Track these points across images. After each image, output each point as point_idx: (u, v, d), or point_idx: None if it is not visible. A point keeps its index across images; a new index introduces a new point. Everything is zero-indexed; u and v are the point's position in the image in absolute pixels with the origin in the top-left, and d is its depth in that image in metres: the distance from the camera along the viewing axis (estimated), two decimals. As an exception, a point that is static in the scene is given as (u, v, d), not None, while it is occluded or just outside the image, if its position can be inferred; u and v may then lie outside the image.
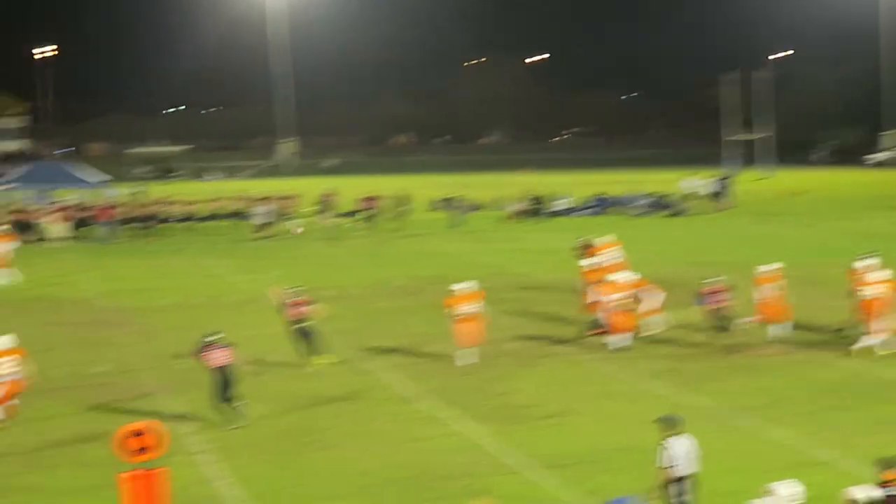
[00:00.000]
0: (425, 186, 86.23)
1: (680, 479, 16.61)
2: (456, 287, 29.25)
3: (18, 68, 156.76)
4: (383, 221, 61.03)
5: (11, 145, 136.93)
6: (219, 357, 23.78)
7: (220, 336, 24.21)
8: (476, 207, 72.60)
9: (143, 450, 13.73)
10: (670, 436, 16.75)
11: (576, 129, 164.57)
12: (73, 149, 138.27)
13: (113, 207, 60.05)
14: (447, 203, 66.11)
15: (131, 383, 27.22)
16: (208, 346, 23.91)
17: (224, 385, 23.69)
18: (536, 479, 19.73)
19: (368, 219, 61.22)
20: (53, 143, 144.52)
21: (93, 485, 19.57)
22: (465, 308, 28.66)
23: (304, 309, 28.03)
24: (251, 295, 39.79)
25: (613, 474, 19.82)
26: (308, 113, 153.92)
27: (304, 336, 28.00)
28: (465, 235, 57.42)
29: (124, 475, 13.84)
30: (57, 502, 19.03)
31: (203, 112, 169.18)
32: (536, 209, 66.22)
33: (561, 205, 69.59)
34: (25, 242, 56.99)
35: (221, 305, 38.10)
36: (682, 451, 16.70)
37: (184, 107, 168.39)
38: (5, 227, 47.86)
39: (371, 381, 26.99)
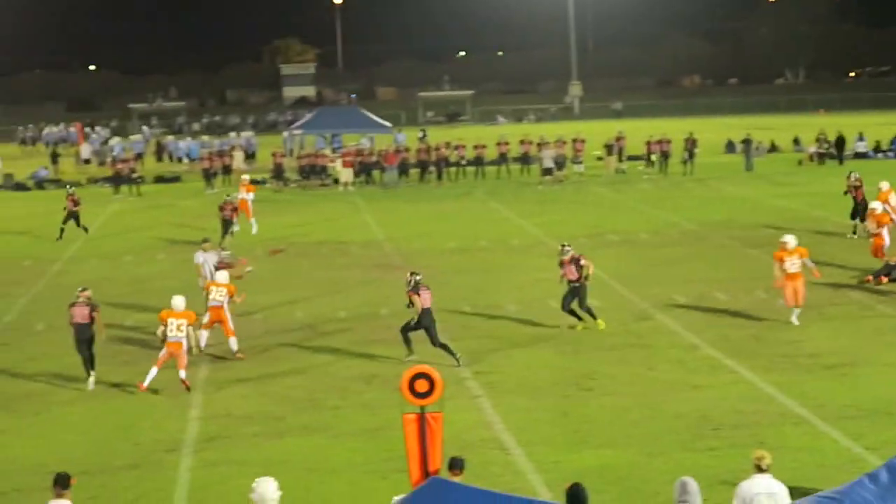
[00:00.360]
0: (716, 129, 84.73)
1: None
2: (787, 238, 26.89)
3: (310, 15, 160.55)
4: (673, 165, 59.96)
5: (303, 90, 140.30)
6: (424, 297, 24.05)
7: (420, 277, 24.45)
8: (771, 150, 70.91)
9: (423, 393, 13.77)
10: None
11: (870, 69, 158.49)
12: (355, 95, 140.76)
13: (400, 152, 60.68)
14: (741, 145, 64.49)
15: (414, 326, 27.37)
16: (416, 285, 24.14)
17: (415, 326, 24.09)
18: (824, 430, 19.01)
19: (658, 162, 60.25)
20: (343, 88, 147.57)
21: (374, 426, 19.77)
22: (792, 263, 26.36)
23: (571, 268, 26.55)
24: (537, 239, 39.72)
25: (907, 428, 18.97)
26: (597, 55, 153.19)
27: (574, 295, 26.92)
28: (758, 179, 56.00)
29: (408, 416, 13.88)
30: (340, 443, 19.24)
31: (493, 55, 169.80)
32: (834, 152, 64.00)
33: (860, 147, 67.20)
34: (318, 186, 58.47)
35: (507, 249, 38.11)
36: None
37: (463, 53, 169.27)
38: (248, 176, 48.28)
39: (654, 328, 26.54)
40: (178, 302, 23.08)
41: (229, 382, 23.11)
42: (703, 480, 15.91)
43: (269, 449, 18.99)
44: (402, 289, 27.10)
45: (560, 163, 58.07)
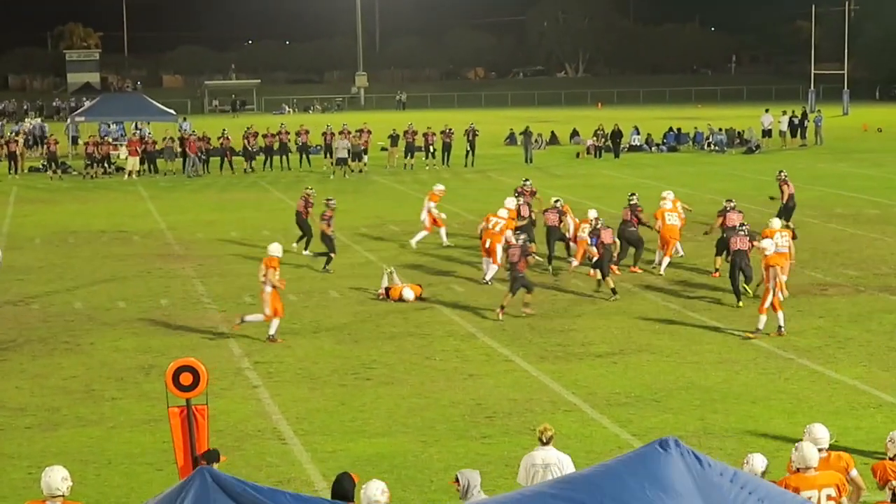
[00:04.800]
0: (498, 121, 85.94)
1: None
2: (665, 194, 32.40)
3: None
4: (454, 157, 60.69)
5: (87, 76, 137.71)
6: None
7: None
8: (551, 142, 72.38)
9: (188, 386, 13.76)
10: None
11: (526, 69, 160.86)
12: (141, 83, 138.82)
13: (199, 139, 59.76)
14: (521, 137, 65.67)
15: (195, 316, 27.33)
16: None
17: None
18: (594, 417, 19.63)
19: (440, 153, 60.87)
20: (128, 75, 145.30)
21: (150, 418, 19.72)
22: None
23: None
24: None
25: (672, 413, 19.71)
26: (383, 46, 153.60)
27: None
28: (536, 171, 57.01)
29: (173, 409, 13.91)
30: (112, 434, 19.16)
31: (281, 44, 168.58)
32: (609, 145, 65.66)
33: (634, 140, 69.09)
34: (101, 175, 57.56)
35: (290, 238, 38.06)
36: None
37: (251, 41, 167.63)
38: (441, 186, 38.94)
39: (432, 317, 26.93)
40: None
41: (3, 374, 22.75)
42: (477, 468, 16.33)
43: (43, 441, 18.80)
44: (183, 279, 27.12)
45: (358, 153, 58.28)
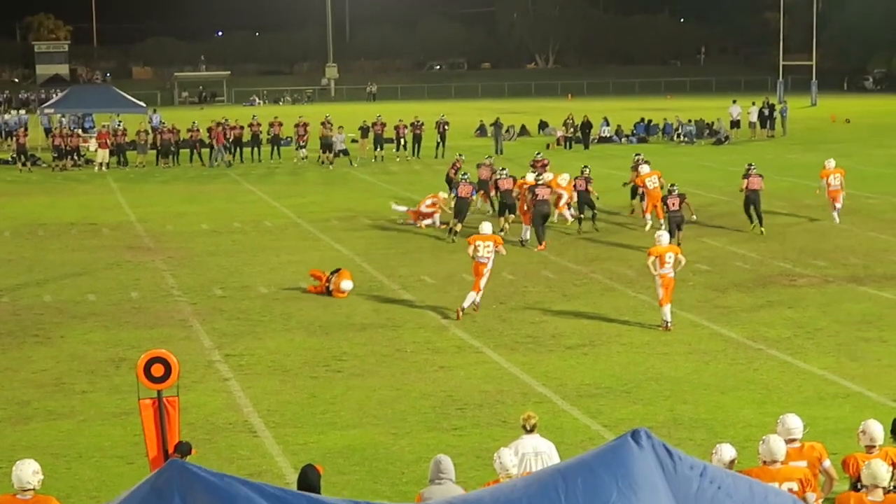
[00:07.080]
0: (469, 112, 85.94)
1: None
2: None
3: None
4: (425, 148, 60.76)
5: (56, 68, 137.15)
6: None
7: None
8: (521, 133, 72.47)
9: (159, 378, 13.76)
10: None
11: (450, 60, 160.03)
12: (110, 74, 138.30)
13: (168, 131, 59.43)
14: (492, 128, 65.71)
15: (166, 309, 27.28)
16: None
17: None
18: (565, 408, 19.69)
19: (412, 145, 60.91)
20: (97, 67, 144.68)
21: (121, 411, 19.68)
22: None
23: None
24: (290, 220, 39.87)
25: (642, 404, 19.78)
26: (353, 37, 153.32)
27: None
28: (507, 162, 56.89)
29: (145, 401, 13.92)
30: (82, 427, 19.11)
31: (251, 35, 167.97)
32: (580, 136, 65.76)
33: (604, 132, 69.20)
34: (71, 167, 57.34)
35: (260, 230, 38.13)
36: None
37: (220, 32, 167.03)
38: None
39: (403, 309, 26.94)
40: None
41: (-27, 368, 22.69)
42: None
43: (13, 435, 18.74)
44: (153, 271, 26.99)
45: (330, 145, 58.26)
